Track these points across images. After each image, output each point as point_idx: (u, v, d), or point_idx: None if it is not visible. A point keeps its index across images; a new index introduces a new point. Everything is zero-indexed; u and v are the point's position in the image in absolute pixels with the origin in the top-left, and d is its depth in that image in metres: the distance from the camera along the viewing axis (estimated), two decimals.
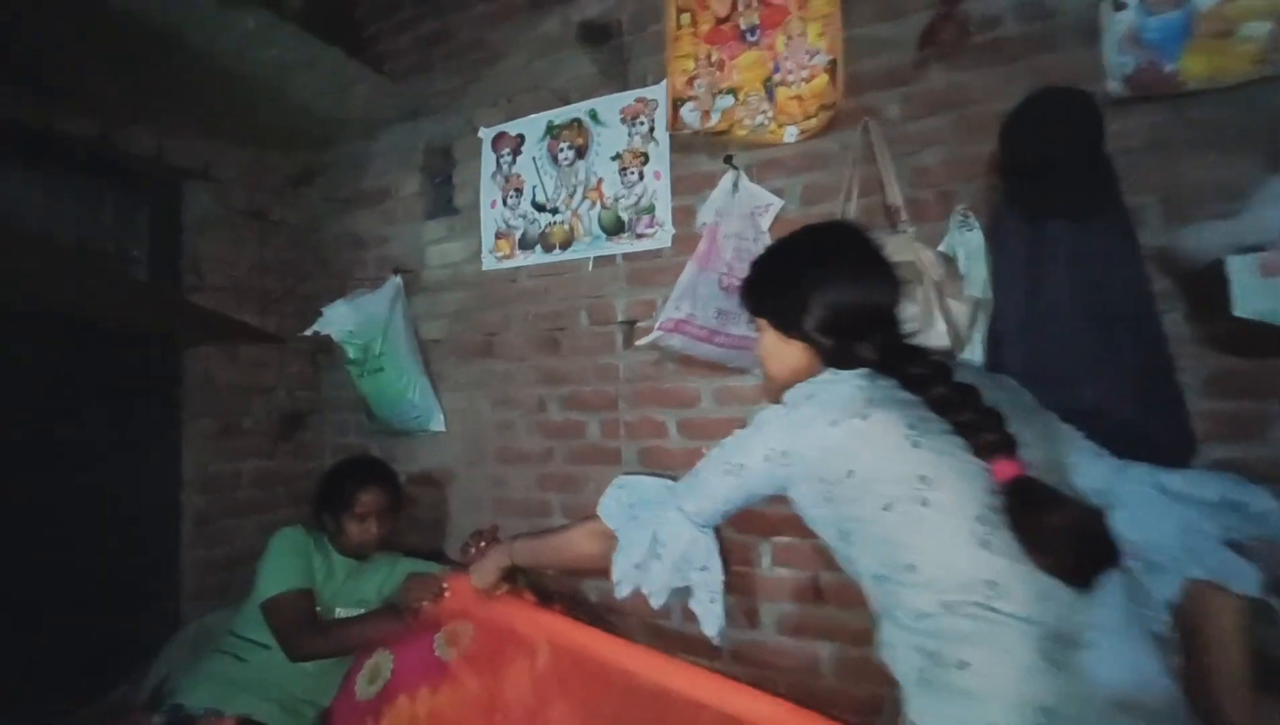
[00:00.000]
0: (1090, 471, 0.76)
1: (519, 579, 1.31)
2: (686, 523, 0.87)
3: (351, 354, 1.83)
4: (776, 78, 1.52)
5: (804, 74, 1.49)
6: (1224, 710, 0.74)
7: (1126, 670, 0.63)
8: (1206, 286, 1.01)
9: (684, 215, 1.63)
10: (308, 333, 1.80)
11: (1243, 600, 0.73)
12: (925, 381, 0.74)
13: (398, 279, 1.94)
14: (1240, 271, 0.95)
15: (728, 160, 1.56)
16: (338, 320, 1.79)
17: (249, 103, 1.80)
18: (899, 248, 1.26)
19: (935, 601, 0.67)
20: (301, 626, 1.35)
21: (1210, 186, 1.13)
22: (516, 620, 1.27)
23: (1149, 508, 0.74)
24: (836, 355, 0.81)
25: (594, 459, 1.70)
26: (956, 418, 0.71)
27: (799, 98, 1.50)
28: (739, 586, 1.50)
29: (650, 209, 1.69)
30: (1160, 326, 1.06)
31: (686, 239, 1.59)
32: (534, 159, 1.85)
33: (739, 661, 1.47)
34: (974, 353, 1.23)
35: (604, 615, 1.60)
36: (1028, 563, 0.64)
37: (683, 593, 0.92)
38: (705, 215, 1.56)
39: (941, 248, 1.31)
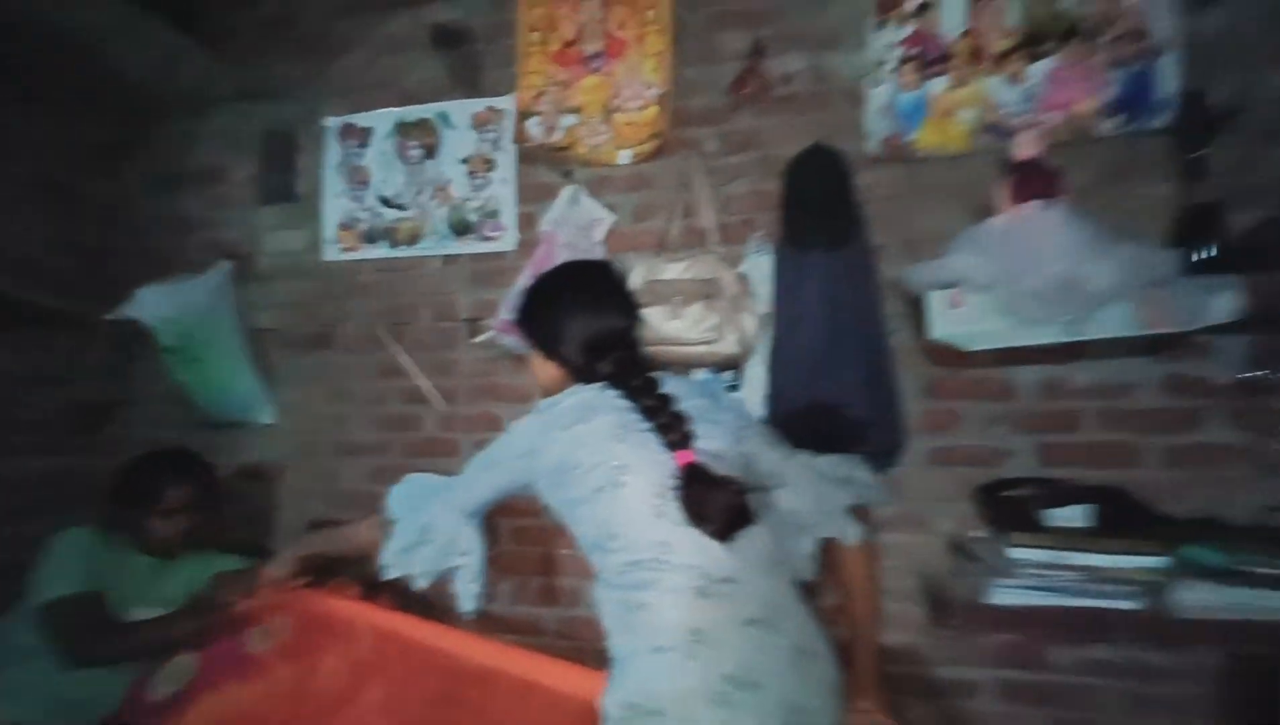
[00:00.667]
0: (766, 458, 0.98)
1: (349, 572, 1.33)
2: (453, 513, 1.02)
3: (166, 341, 1.72)
4: (615, 103, 1.67)
5: (639, 103, 1.66)
6: (856, 632, 1.01)
7: (761, 599, 0.85)
8: (920, 313, 1.29)
9: (527, 221, 1.73)
10: (112, 317, 1.67)
11: (862, 551, 0.99)
12: (639, 392, 0.93)
13: (226, 265, 1.86)
14: (935, 302, 1.23)
15: (567, 175, 1.69)
16: (151, 305, 1.68)
17: (57, 65, 1.64)
18: (706, 266, 1.47)
19: (627, 561, 0.86)
20: (86, 630, 1.26)
21: (933, 233, 1.43)
22: (337, 610, 1.29)
23: (801, 485, 0.98)
24: (583, 372, 0.99)
25: (431, 452, 1.75)
26: (656, 420, 0.90)
27: (633, 124, 1.67)
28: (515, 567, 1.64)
29: (495, 213, 1.77)
30: (887, 341, 1.34)
31: (530, 244, 1.70)
32: (382, 153, 1.86)
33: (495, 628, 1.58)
34: (760, 355, 1.46)
35: (434, 604, 1.65)
36: (689, 526, 0.85)
37: (447, 574, 1.04)
38: (545, 223, 1.68)
39: (742, 268, 1.53)
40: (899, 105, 1.48)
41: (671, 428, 0.90)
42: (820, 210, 1.32)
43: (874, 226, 1.44)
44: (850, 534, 0.98)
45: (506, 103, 1.77)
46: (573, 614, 1.63)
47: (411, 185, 1.84)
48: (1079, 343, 1.22)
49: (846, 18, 1.52)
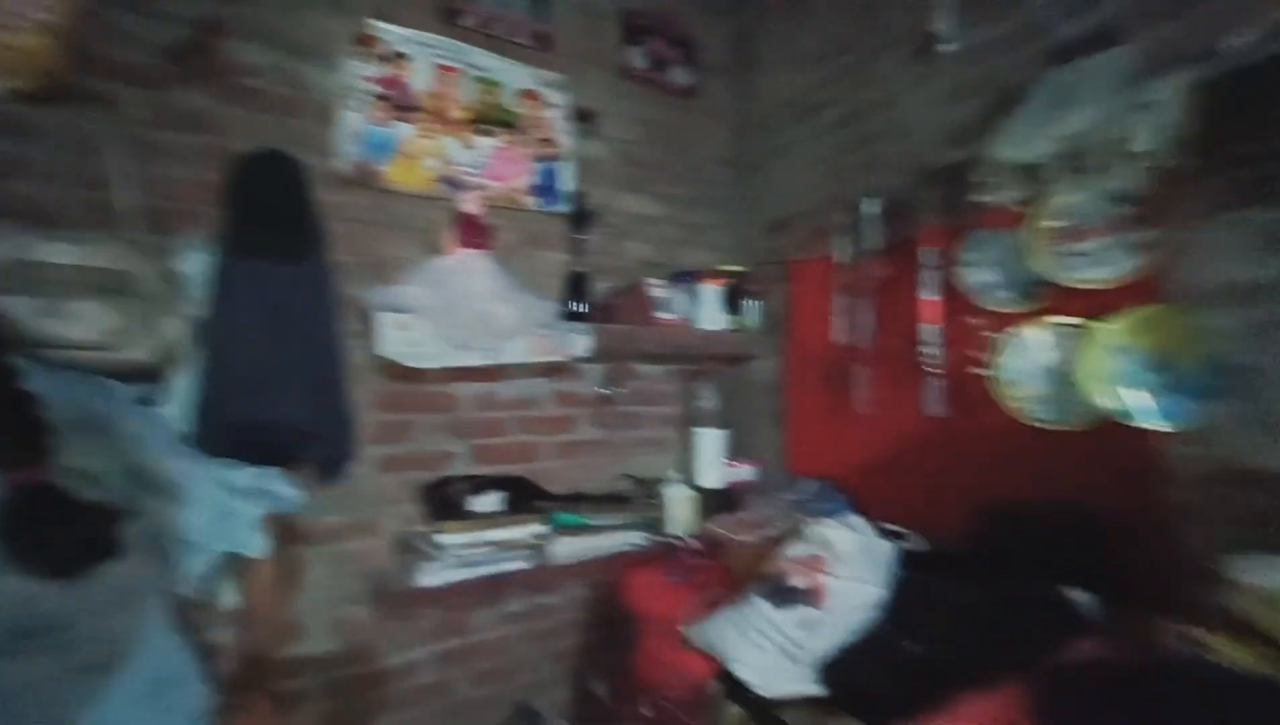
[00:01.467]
0: (165, 473, 0.95)
1: None
2: None
3: None
4: None
5: (18, 23, 1.27)
6: (250, 643, 1.05)
7: (102, 641, 0.76)
8: (375, 330, 1.41)
9: None
10: None
11: (266, 565, 1.05)
12: None
13: None
14: (385, 323, 1.36)
15: None
16: None
17: None
18: (113, 255, 1.22)
19: None
20: None
21: (393, 260, 1.59)
22: None
23: (203, 499, 0.97)
24: None
25: None
26: None
27: (8, 48, 1.26)
28: None
29: None
30: (340, 357, 1.41)
31: None
32: None
33: None
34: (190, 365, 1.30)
35: None
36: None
37: None
38: None
39: (174, 264, 1.34)
40: (369, 136, 1.59)
41: (17, 439, 0.73)
42: (275, 219, 1.29)
43: (338, 245, 1.49)
44: (253, 547, 0.98)
45: None
46: None
47: None
48: (502, 365, 1.56)
49: (322, 33, 1.55)
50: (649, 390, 2.02)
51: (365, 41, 1.59)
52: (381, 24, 1.61)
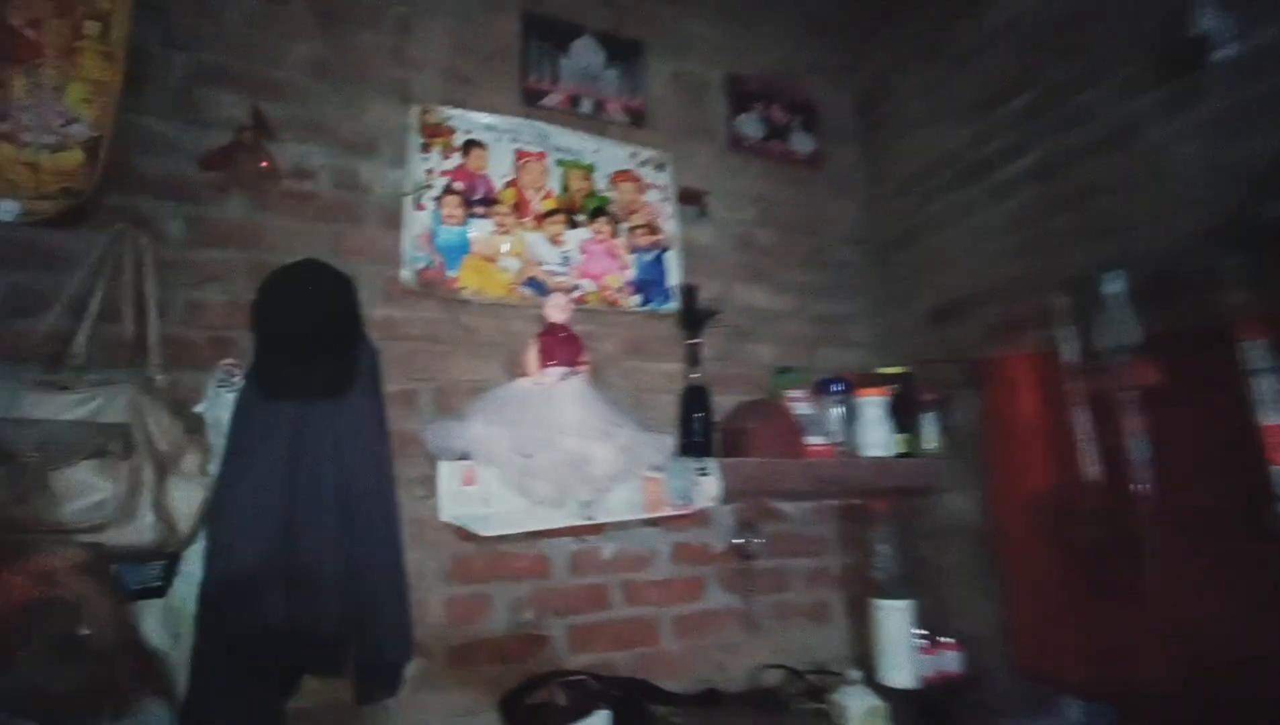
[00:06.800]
0: None
1: None
2: None
3: None
4: (3, 128, 1.05)
5: (50, 140, 1.07)
6: None
7: None
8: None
9: None
10: None
11: None
12: None
13: None
14: (446, 477, 0.98)
15: None
16: None
17: None
18: (113, 405, 0.93)
19: None
20: None
21: (469, 383, 1.24)
22: None
23: None
24: None
25: None
26: None
27: (33, 166, 1.06)
28: None
29: None
30: (390, 518, 1.03)
31: None
32: None
33: None
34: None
35: None
36: None
37: None
38: None
39: (200, 407, 1.04)
40: (439, 238, 1.30)
41: None
42: (307, 346, 0.98)
43: (398, 370, 1.18)
44: None
45: None
46: None
47: None
48: None
49: (386, 127, 1.31)
50: (797, 538, 1.51)
51: (433, 131, 1.34)
52: (451, 110, 1.36)
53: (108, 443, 0.91)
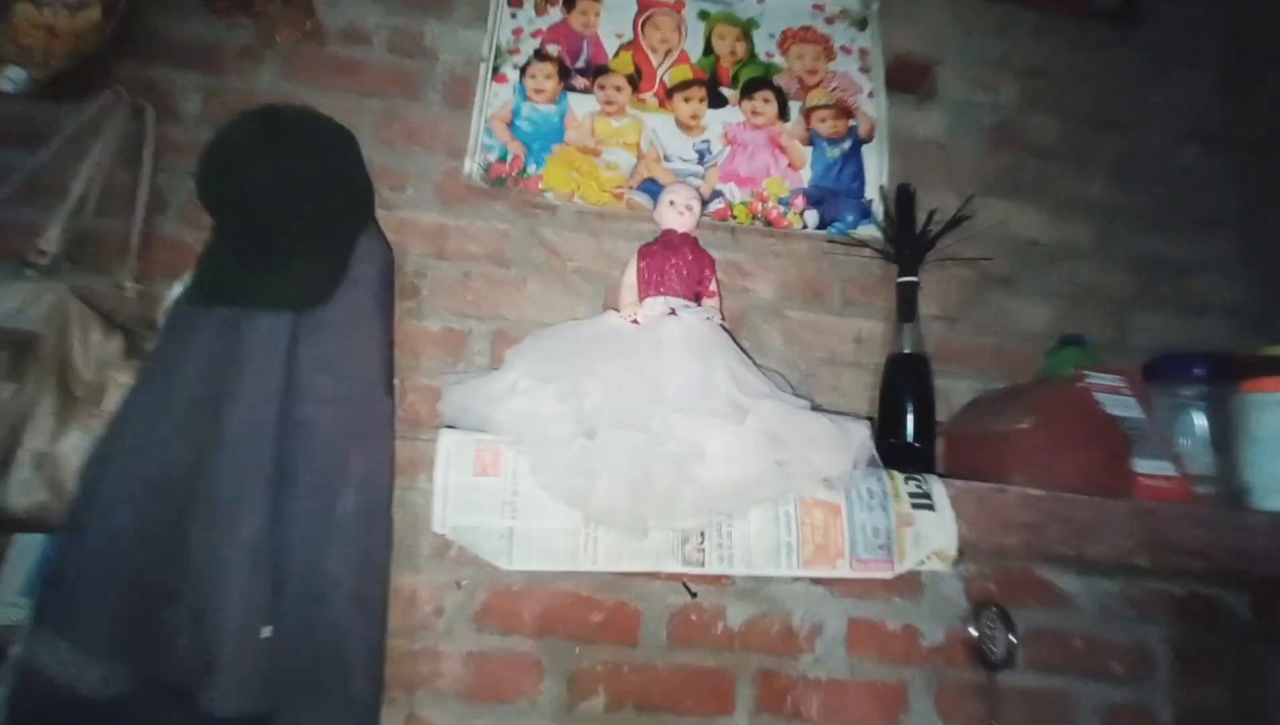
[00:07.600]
0: None
1: None
2: None
3: None
4: None
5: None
6: None
7: None
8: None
9: None
10: None
11: None
12: None
13: None
14: (447, 457, 0.56)
15: None
16: None
17: None
18: (28, 308, 0.66)
19: None
20: None
21: (543, 326, 0.83)
22: None
23: None
24: None
25: None
26: None
27: (51, 30, 0.87)
28: None
29: None
30: (381, 503, 0.63)
31: None
32: None
33: None
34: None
35: None
36: None
37: None
38: None
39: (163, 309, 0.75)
40: (523, 119, 0.90)
41: None
42: (271, 234, 0.62)
43: (444, 298, 0.80)
44: None
45: None
46: None
47: None
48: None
49: None
50: (1090, 643, 0.85)
51: None
52: None
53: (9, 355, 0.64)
